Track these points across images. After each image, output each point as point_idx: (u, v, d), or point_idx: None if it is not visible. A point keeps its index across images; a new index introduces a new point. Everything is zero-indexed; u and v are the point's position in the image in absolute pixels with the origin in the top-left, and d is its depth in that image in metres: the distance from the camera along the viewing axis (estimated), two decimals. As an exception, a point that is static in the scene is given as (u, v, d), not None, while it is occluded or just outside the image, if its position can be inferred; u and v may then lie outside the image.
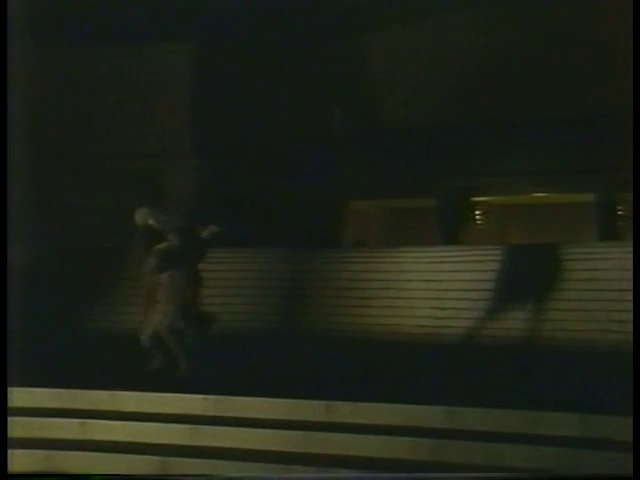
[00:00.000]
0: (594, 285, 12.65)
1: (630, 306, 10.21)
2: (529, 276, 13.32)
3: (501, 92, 22.72)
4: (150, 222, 8.86)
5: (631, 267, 11.23)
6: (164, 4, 18.42)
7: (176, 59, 19.21)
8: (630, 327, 8.04)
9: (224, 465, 7.01)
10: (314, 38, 21.66)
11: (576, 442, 6.78)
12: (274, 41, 20.69)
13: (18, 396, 8.09)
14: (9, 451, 6.81)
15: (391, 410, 7.40)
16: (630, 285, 11.32)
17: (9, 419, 7.31)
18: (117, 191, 18.30)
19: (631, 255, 10.94)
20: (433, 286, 13.57)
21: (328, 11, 20.72)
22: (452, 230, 22.55)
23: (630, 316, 8.85)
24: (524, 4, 22.27)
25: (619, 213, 22.53)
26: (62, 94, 19.21)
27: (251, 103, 20.58)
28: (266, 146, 20.69)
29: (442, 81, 23.31)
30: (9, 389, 7.68)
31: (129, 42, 18.63)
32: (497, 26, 22.81)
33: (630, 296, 11.16)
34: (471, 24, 23.01)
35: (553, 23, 22.44)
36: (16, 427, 7.60)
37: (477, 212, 24.79)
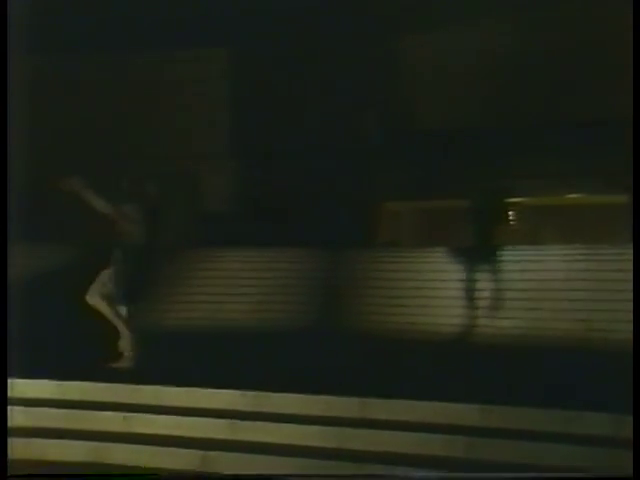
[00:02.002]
0: (624, 286, 12.68)
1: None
2: (561, 276, 13.40)
3: (535, 94, 22.68)
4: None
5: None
6: (202, 10, 18.67)
7: (210, 65, 19.46)
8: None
9: (260, 459, 7.16)
10: (348, 42, 21.78)
11: (610, 442, 6.83)
12: (308, 46, 20.85)
13: (69, 388, 8.35)
14: (59, 441, 7.06)
15: (425, 407, 7.52)
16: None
17: (58, 410, 7.60)
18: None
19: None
20: (467, 285, 13.64)
21: (363, 16, 20.86)
22: (486, 231, 22.51)
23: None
24: (558, 9, 22.21)
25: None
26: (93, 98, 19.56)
27: (283, 106, 20.74)
28: (299, 148, 20.84)
29: (475, 83, 23.31)
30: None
31: (164, 48, 18.90)
32: (533, 30, 22.76)
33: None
34: (505, 28, 22.98)
35: (588, 25, 22.34)
36: (68, 418, 7.87)
37: (510, 213, 24.72)
